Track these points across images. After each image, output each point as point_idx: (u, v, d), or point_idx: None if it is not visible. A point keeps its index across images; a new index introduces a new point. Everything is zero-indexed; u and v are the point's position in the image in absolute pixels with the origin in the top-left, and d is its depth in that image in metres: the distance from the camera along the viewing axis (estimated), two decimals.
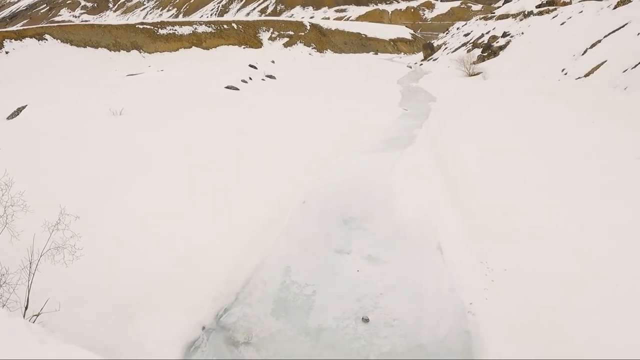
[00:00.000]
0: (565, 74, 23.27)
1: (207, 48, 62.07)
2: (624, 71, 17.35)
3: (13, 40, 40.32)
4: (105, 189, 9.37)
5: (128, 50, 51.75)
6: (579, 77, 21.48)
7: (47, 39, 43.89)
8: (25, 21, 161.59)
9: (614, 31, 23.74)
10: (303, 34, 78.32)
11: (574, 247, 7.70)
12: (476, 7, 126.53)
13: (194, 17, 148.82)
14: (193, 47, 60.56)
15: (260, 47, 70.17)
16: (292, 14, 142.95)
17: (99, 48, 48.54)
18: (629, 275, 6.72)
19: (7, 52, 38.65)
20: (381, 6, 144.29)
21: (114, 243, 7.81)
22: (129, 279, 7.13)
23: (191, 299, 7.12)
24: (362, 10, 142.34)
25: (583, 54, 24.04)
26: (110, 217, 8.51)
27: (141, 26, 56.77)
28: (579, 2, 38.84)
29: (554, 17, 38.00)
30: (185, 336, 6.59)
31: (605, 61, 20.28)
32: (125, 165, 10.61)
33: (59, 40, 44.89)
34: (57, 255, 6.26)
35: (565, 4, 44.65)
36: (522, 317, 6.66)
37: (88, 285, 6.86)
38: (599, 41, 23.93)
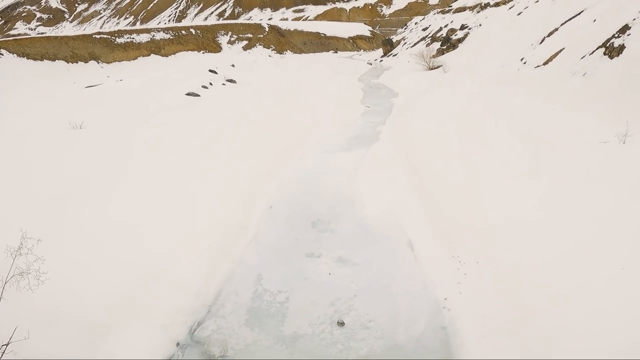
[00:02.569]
0: (525, 63, 23.57)
1: (166, 55, 61.29)
2: (582, 57, 17.62)
3: None
4: (63, 209, 9.09)
5: (86, 61, 50.78)
6: (537, 66, 21.77)
7: (2, 54, 42.78)
8: None
9: (570, 19, 24.12)
10: (262, 36, 78.02)
11: (545, 236, 7.77)
12: (433, 1, 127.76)
13: (152, 24, 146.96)
14: (152, 54, 59.72)
15: (220, 51, 69.65)
16: (250, 17, 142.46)
17: (57, 60, 47.52)
18: (602, 261, 6.79)
19: None
20: (339, 4, 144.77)
21: (78, 264, 7.58)
22: (97, 300, 6.92)
23: (163, 315, 6.96)
24: (320, 9, 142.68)
25: (541, 43, 24.38)
26: (73, 238, 8.25)
27: (98, 36, 55.74)
28: None
29: (510, 8, 38.63)
30: (160, 354, 6.43)
31: (563, 49, 20.59)
32: (83, 182, 10.31)
33: (15, 55, 43.81)
34: (21, 281, 6.06)
35: None
36: (497, 309, 6.69)
37: (56, 309, 6.62)
38: (556, 29, 24.30)
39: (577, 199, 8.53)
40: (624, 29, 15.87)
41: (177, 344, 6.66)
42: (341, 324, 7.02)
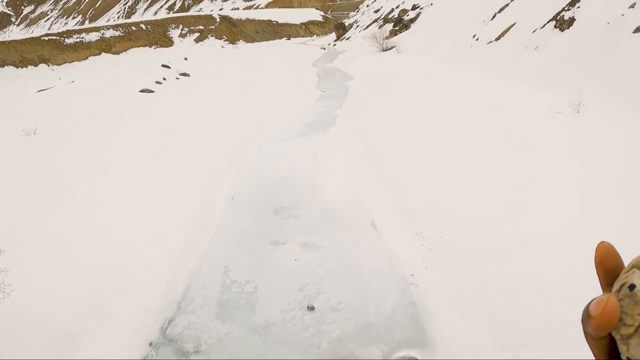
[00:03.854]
0: (477, 39, 23.94)
1: (117, 53, 59.90)
2: (534, 31, 17.98)
3: None
4: (22, 217, 8.93)
5: (36, 65, 49.23)
6: (490, 42, 22.13)
7: None
8: None
9: None
10: (213, 27, 76.93)
11: (503, 206, 7.97)
12: None
13: (101, 22, 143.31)
14: (103, 53, 58.26)
15: (172, 45, 68.47)
16: (201, 8, 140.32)
17: (5, 66, 45.97)
18: (565, 231, 6.99)
19: None
20: None
21: (44, 272, 7.45)
22: (66, 307, 6.80)
23: (133, 317, 6.90)
24: None
25: (492, 19, 24.77)
26: (36, 246, 8.12)
27: (46, 38, 53.99)
28: None
29: None
30: (134, 356, 6.39)
31: (515, 23, 20.96)
32: (41, 189, 10.13)
33: None
34: None
35: None
36: (463, 281, 6.87)
37: (26, 320, 6.50)
38: (507, 5, 24.69)
39: (540, 167, 8.76)
40: (574, 1, 16.25)
41: (150, 344, 6.63)
42: (311, 308, 7.10)
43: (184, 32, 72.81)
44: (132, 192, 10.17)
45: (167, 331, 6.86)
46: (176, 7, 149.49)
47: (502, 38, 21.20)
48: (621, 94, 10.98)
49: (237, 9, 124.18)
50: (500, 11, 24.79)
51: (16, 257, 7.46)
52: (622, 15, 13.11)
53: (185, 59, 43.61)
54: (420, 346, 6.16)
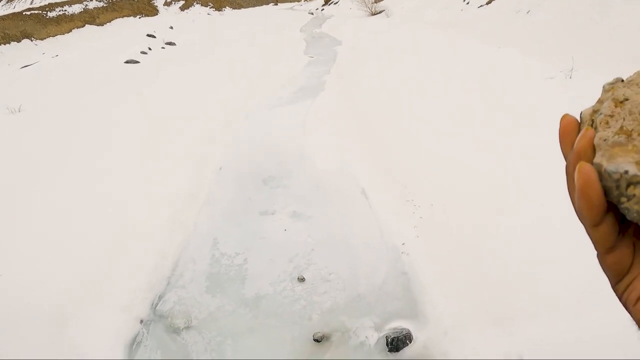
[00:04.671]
0: (467, 3, 23.54)
1: (101, 24, 58.65)
2: None
3: None
4: (4, 199, 8.75)
5: (19, 41, 48.09)
6: (481, 5, 21.77)
7: None
8: None
9: None
10: None
11: (498, 176, 7.87)
12: None
13: None
14: (86, 25, 56.97)
15: (157, 14, 67.17)
16: None
17: None
18: (560, 202, 6.89)
19: None
20: None
21: (30, 256, 7.29)
22: (54, 291, 6.66)
23: (122, 294, 6.80)
24: None
25: None
26: (20, 229, 7.94)
27: (29, 12, 52.84)
28: None
29: None
30: (125, 334, 6.31)
31: None
32: (25, 168, 9.93)
33: None
34: None
35: None
36: (455, 249, 6.80)
37: (14, 307, 6.37)
38: None
39: (526, 134, 8.66)
40: None
41: (141, 321, 6.56)
42: (302, 279, 7.04)
43: (168, 0, 71.47)
44: (116, 168, 9.97)
45: (157, 308, 6.79)
46: None
47: (493, 2, 20.85)
48: (612, 61, 10.82)
49: None
50: None
51: (3, 242, 7.35)
52: None
53: (171, 27, 42.87)
54: (412, 317, 6.12)
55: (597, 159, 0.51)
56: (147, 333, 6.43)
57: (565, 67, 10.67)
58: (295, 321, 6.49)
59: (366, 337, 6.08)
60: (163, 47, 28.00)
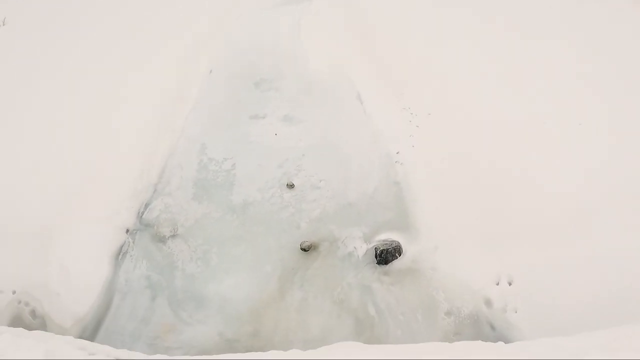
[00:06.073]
0: None
1: None
2: None
3: None
4: None
5: None
6: None
7: None
8: None
9: None
10: None
11: (496, 90, 7.41)
12: None
13: None
14: None
15: None
16: None
17: None
18: (558, 118, 6.53)
19: None
20: None
21: (11, 175, 6.91)
22: (39, 207, 6.43)
23: (107, 205, 6.61)
24: None
25: None
26: (4, 140, 7.55)
27: None
28: None
29: None
30: (110, 245, 6.23)
31: None
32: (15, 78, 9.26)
33: None
34: None
35: None
36: (449, 162, 6.57)
37: (1, 222, 6.22)
38: None
39: (529, 45, 8.07)
40: None
41: (127, 231, 6.46)
42: (291, 186, 6.86)
43: None
44: (101, 70, 9.34)
45: (144, 216, 6.66)
46: None
47: None
48: None
49: None
50: None
51: None
52: None
53: None
54: (402, 229, 5.97)
55: None
56: (133, 243, 6.34)
57: None
58: (283, 229, 6.37)
59: (355, 247, 5.98)
60: None
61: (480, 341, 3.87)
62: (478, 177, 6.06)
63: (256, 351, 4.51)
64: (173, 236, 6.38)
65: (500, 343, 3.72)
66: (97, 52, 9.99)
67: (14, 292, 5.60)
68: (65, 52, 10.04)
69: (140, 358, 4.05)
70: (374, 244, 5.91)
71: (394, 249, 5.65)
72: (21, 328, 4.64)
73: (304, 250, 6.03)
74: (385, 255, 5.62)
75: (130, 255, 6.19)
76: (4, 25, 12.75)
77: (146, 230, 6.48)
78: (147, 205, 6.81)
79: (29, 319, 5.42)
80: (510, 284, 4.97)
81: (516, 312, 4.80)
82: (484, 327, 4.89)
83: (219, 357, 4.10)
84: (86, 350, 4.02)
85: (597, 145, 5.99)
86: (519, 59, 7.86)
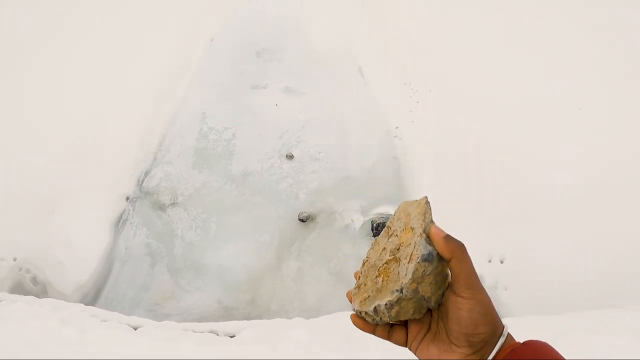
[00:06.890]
0: None
1: None
2: None
3: None
4: None
5: None
6: None
7: None
8: None
9: None
10: None
11: (499, 69, 7.31)
12: None
13: None
14: None
15: None
16: None
17: None
18: (556, 94, 6.49)
19: None
20: None
21: (14, 145, 6.89)
22: (40, 176, 6.39)
23: (107, 172, 6.63)
24: None
25: None
26: (7, 107, 7.47)
27: None
28: None
29: None
30: (110, 214, 6.29)
31: None
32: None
33: None
34: None
35: None
36: (449, 138, 6.56)
37: (3, 191, 6.21)
38: None
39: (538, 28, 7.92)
40: None
41: (127, 199, 6.52)
42: (290, 157, 6.91)
43: None
44: (100, 38, 9.16)
45: (144, 184, 6.72)
46: None
47: None
48: None
49: None
50: None
51: None
52: None
53: None
54: (399, 203, 6.01)
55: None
56: (133, 210, 6.41)
57: None
58: (282, 199, 6.45)
59: (352, 220, 6.06)
60: None
61: None
62: (476, 155, 6.09)
63: (254, 319, 4.64)
64: (173, 204, 6.46)
65: None
66: (97, 20, 9.77)
67: (14, 260, 5.67)
68: (58, 26, 9.77)
69: (150, 323, 4.17)
70: (370, 216, 6.01)
71: None
72: (32, 296, 4.74)
73: (301, 221, 6.12)
74: (382, 229, 5.68)
75: (130, 223, 6.28)
76: None
77: (146, 198, 6.55)
78: (147, 174, 6.86)
79: (29, 286, 5.52)
80: (502, 262, 5.06)
81: (506, 289, 4.91)
82: None
83: (226, 323, 4.21)
84: (98, 317, 4.14)
85: (595, 129, 5.98)
86: (524, 40, 7.75)
